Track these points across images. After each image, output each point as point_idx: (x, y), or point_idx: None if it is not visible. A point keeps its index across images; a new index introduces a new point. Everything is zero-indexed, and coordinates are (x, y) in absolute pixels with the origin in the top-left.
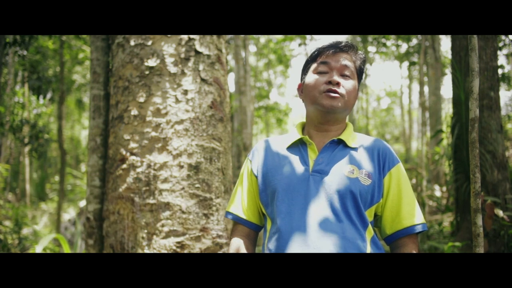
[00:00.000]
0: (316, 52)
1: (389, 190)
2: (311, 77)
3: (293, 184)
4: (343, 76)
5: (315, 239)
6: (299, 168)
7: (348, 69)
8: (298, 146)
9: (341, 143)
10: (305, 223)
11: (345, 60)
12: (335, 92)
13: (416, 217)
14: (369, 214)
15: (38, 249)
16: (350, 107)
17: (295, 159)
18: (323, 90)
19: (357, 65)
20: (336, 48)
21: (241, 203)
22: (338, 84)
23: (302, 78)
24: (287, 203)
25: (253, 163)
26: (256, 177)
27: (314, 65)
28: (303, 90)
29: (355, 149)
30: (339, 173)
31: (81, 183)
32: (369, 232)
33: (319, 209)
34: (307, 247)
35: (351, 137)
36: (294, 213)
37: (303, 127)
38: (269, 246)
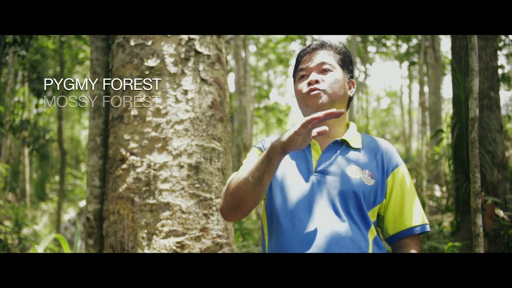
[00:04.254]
0: (296, 61)
1: (392, 190)
2: (297, 86)
3: (296, 184)
4: (322, 71)
5: (318, 239)
6: (302, 168)
7: (325, 64)
8: None
9: (344, 143)
10: (308, 223)
11: (320, 57)
12: (315, 89)
13: (418, 218)
14: (372, 215)
15: (40, 249)
16: (339, 99)
17: (298, 159)
18: (306, 92)
19: (338, 58)
20: (308, 50)
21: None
22: (317, 81)
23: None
24: (290, 202)
25: (263, 150)
26: None
27: (298, 73)
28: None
29: (358, 149)
30: (342, 174)
31: (81, 183)
32: (372, 233)
33: (322, 209)
34: (310, 247)
35: (354, 137)
36: (297, 213)
37: None
38: (271, 243)
